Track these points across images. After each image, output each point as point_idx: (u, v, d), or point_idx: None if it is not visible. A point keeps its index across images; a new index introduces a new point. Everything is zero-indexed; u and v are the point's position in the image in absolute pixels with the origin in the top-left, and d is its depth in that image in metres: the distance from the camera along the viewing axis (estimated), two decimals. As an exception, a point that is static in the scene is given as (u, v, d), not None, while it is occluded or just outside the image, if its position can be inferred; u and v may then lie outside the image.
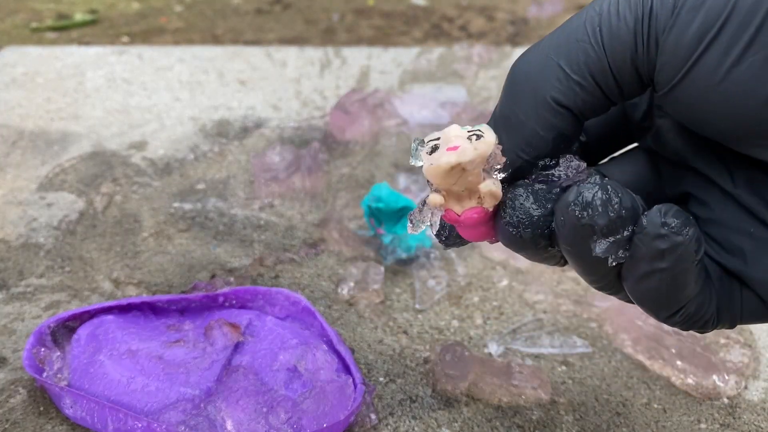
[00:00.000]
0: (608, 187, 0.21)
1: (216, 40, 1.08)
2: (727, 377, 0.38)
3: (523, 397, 0.37)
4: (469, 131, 0.23)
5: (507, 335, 0.41)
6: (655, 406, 0.37)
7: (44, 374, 0.35)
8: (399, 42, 1.09)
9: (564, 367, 0.39)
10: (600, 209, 0.21)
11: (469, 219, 0.24)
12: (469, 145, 0.23)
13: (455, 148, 0.23)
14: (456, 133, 0.23)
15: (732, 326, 0.24)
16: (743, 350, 0.40)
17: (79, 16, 1.15)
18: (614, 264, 0.22)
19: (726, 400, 0.37)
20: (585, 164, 0.23)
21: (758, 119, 0.19)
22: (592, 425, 0.36)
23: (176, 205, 0.54)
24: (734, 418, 0.36)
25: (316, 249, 0.49)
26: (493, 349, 0.39)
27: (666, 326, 0.40)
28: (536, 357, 0.40)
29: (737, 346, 0.41)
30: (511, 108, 0.23)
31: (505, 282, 0.45)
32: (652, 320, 0.40)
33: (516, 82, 0.23)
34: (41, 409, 0.36)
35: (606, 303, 0.43)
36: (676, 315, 0.23)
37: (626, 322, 0.41)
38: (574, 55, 0.21)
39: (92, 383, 0.35)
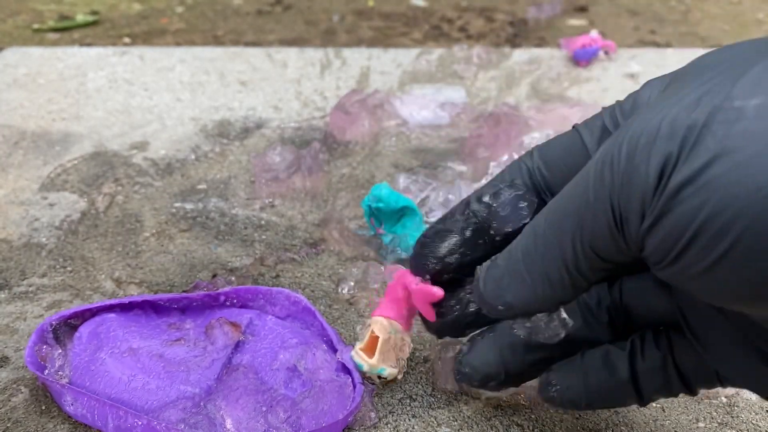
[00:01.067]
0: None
1: (217, 41, 1.08)
2: (725, 376, 0.38)
3: (522, 395, 0.37)
4: (377, 376, 0.35)
5: (506, 334, 0.41)
6: (654, 404, 0.37)
7: (46, 372, 0.36)
8: (399, 43, 1.09)
9: (563, 366, 0.39)
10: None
11: None
12: (380, 383, 0.36)
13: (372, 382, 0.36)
14: (369, 376, 0.35)
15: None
16: (741, 349, 0.40)
17: (80, 17, 1.16)
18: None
19: (724, 399, 0.37)
20: None
21: (738, 300, 0.21)
22: (590, 424, 0.36)
23: (177, 205, 0.54)
24: (732, 417, 0.36)
25: (317, 249, 0.49)
26: (493, 348, 0.40)
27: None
28: (535, 356, 0.40)
29: (735, 345, 0.41)
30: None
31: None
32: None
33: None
34: (43, 407, 0.36)
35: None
36: (643, 405, 0.31)
37: (625, 321, 0.41)
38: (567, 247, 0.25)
39: (93, 381, 0.35)
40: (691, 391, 0.29)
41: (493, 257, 0.28)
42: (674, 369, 0.28)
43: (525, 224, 0.28)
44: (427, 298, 0.32)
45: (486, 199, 0.29)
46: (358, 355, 0.35)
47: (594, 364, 0.29)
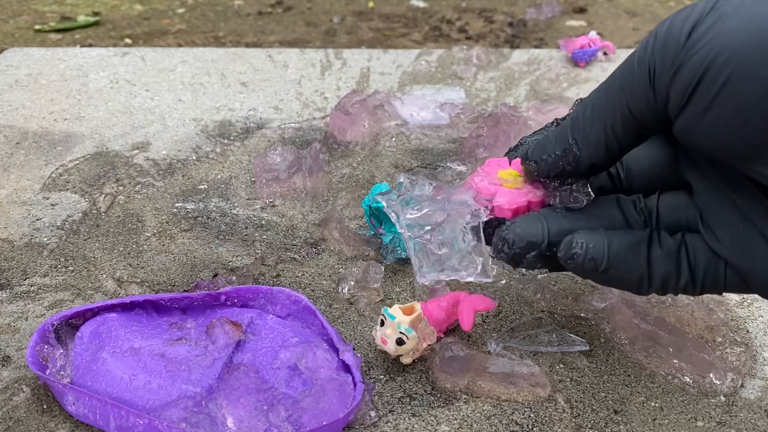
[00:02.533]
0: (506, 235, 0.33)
1: (218, 42, 1.09)
2: (723, 375, 0.38)
3: (521, 394, 0.37)
4: (401, 333, 0.36)
5: (505, 333, 0.41)
6: (653, 404, 0.37)
7: (47, 371, 0.36)
8: (399, 44, 1.09)
9: (562, 365, 0.39)
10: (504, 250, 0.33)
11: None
12: (393, 347, 0.36)
13: (384, 341, 0.37)
14: (390, 332, 0.36)
15: (719, 293, 0.32)
16: (740, 349, 0.41)
17: (82, 18, 1.16)
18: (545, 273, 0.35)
19: (723, 398, 0.38)
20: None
21: (735, 152, 0.27)
22: (589, 423, 0.36)
23: (179, 205, 0.54)
24: (731, 416, 0.37)
25: (317, 248, 0.49)
26: (492, 347, 0.40)
27: (663, 324, 0.40)
28: (534, 355, 0.40)
29: (734, 344, 0.41)
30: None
31: (503, 281, 0.46)
32: (649, 319, 0.41)
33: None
34: (44, 407, 0.36)
35: (604, 302, 0.43)
36: (643, 292, 0.32)
37: (624, 320, 0.41)
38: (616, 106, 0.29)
39: (95, 380, 0.35)
40: (695, 286, 0.32)
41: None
42: (686, 256, 0.31)
43: None
44: (481, 304, 0.38)
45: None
46: (393, 309, 0.37)
47: (619, 233, 0.32)
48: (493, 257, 0.34)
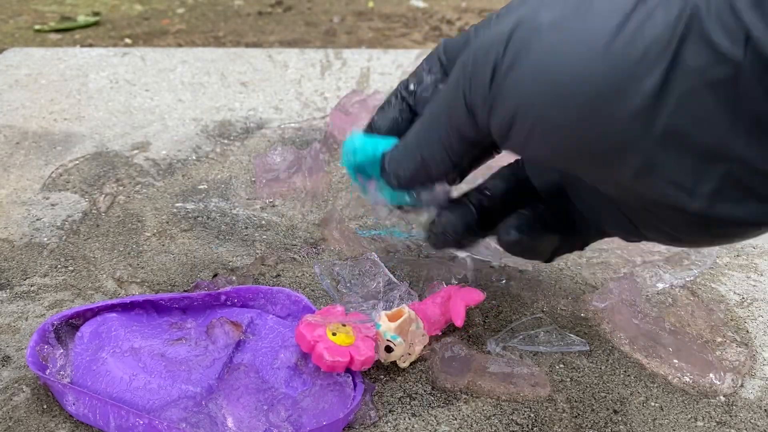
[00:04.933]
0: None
1: (218, 41, 1.09)
2: (723, 375, 0.38)
3: (521, 394, 0.37)
4: (387, 340, 0.36)
5: (505, 333, 0.41)
6: (653, 403, 0.37)
7: (47, 371, 0.36)
8: (399, 44, 1.10)
9: (562, 365, 0.39)
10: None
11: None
12: (383, 355, 0.37)
13: (372, 345, 0.36)
14: (380, 339, 0.36)
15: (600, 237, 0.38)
16: (740, 349, 0.41)
17: (82, 18, 1.16)
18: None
19: (723, 398, 0.38)
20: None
21: (564, 168, 0.33)
22: (589, 422, 0.36)
23: (179, 205, 0.54)
24: (731, 416, 0.37)
25: (317, 248, 0.49)
26: (492, 347, 0.40)
27: (663, 324, 0.40)
28: (534, 355, 0.40)
29: (734, 344, 0.41)
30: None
31: (503, 281, 0.46)
32: (648, 319, 0.41)
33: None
34: (44, 407, 0.36)
35: (603, 302, 0.43)
36: (550, 260, 0.38)
37: (623, 320, 0.41)
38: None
39: (95, 380, 0.35)
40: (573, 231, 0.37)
41: (397, 143, 0.36)
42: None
43: None
44: (471, 298, 0.39)
45: (411, 87, 0.37)
46: (379, 317, 0.37)
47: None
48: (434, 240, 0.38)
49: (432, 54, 0.37)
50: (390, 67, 0.82)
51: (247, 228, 0.52)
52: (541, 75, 0.26)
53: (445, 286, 0.41)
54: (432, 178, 0.34)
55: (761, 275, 0.48)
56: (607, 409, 0.37)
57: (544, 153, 0.29)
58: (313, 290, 0.45)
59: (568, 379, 0.39)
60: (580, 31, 0.25)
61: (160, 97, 0.73)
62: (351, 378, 0.36)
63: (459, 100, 0.30)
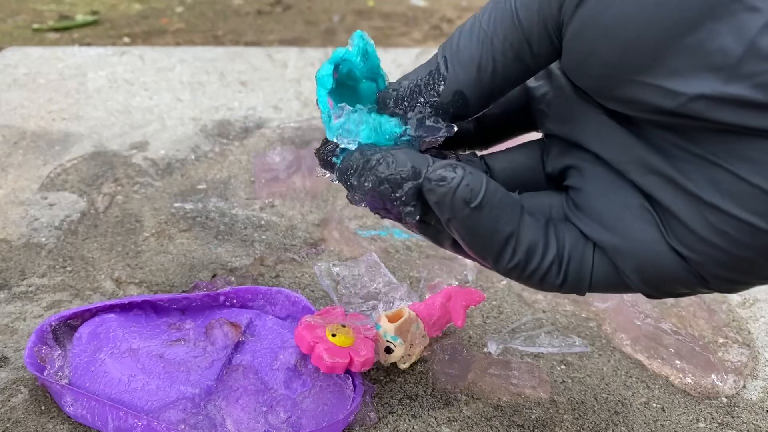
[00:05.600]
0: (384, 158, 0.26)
1: (217, 41, 1.09)
2: (725, 376, 0.38)
3: (522, 396, 0.37)
4: (387, 341, 0.36)
5: (506, 334, 0.41)
6: (654, 405, 0.37)
7: (45, 372, 0.36)
8: (399, 43, 1.09)
9: (563, 367, 0.39)
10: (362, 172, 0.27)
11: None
12: (383, 356, 0.36)
13: (372, 346, 0.36)
14: (380, 340, 0.36)
15: (580, 290, 0.27)
16: (742, 350, 0.40)
17: (80, 17, 1.16)
18: (413, 220, 0.26)
19: (725, 400, 0.37)
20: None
21: (638, 56, 0.23)
22: (591, 424, 0.36)
23: (177, 205, 0.54)
24: (733, 417, 0.36)
25: (317, 249, 0.49)
26: (493, 348, 0.40)
27: (664, 325, 0.40)
28: (535, 356, 0.40)
29: (736, 345, 0.41)
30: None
31: (504, 281, 0.46)
32: (650, 320, 0.40)
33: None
34: (42, 408, 0.36)
35: (605, 303, 0.43)
36: (505, 262, 0.27)
37: (625, 321, 0.41)
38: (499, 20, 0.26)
39: (93, 381, 0.35)
40: (560, 267, 0.27)
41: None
42: (554, 232, 0.28)
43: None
44: (471, 299, 0.38)
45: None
46: (379, 318, 0.37)
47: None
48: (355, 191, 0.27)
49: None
50: (390, 66, 0.81)
51: (246, 228, 0.51)
52: None
53: (445, 286, 0.41)
54: (439, 89, 0.27)
55: (763, 275, 0.48)
56: (609, 411, 0.37)
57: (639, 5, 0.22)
58: (312, 291, 0.45)
59: (569, 380, 0.38)
60: None
61: (159, 97, 0.73)
62: (351, 379, 0.36)
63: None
